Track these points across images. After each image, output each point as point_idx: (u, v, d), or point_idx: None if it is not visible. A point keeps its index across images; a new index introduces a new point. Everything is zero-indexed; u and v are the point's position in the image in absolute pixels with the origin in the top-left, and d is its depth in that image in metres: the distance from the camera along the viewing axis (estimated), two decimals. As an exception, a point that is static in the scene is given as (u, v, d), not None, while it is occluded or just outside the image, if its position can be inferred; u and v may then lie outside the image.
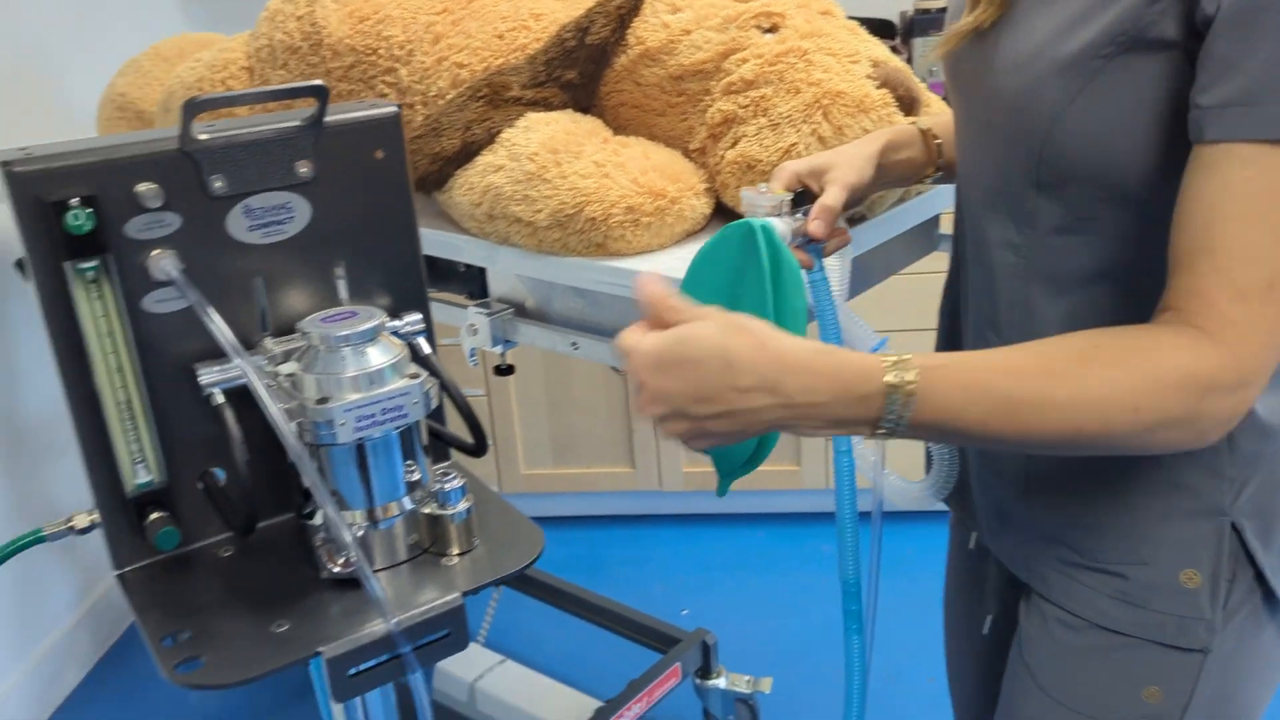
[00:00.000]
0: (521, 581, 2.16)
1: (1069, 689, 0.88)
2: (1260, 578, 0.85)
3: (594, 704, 1.83)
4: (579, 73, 1.27)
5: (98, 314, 0.80)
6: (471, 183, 1.22)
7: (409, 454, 0.88)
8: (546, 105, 1.26)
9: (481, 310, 1.29)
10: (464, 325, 1.30)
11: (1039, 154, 0.79)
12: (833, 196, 0.93)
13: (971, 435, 0.70)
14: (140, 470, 0.85)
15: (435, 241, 1.31)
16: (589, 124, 1.24)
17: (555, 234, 1.16)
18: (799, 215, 0.93)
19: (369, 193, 0.91)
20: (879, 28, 2.57)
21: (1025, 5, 0.81)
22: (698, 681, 1.95)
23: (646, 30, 1.25)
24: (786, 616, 2.31)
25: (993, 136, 0.85)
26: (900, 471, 1.03)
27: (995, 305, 0.89)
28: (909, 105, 1.19)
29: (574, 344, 1.24)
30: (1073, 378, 0.69)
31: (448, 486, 0.87)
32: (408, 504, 0.88)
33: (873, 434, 0.69)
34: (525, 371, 2.48)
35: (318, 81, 0.84)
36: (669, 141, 1.26)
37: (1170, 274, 0.71)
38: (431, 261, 1.39)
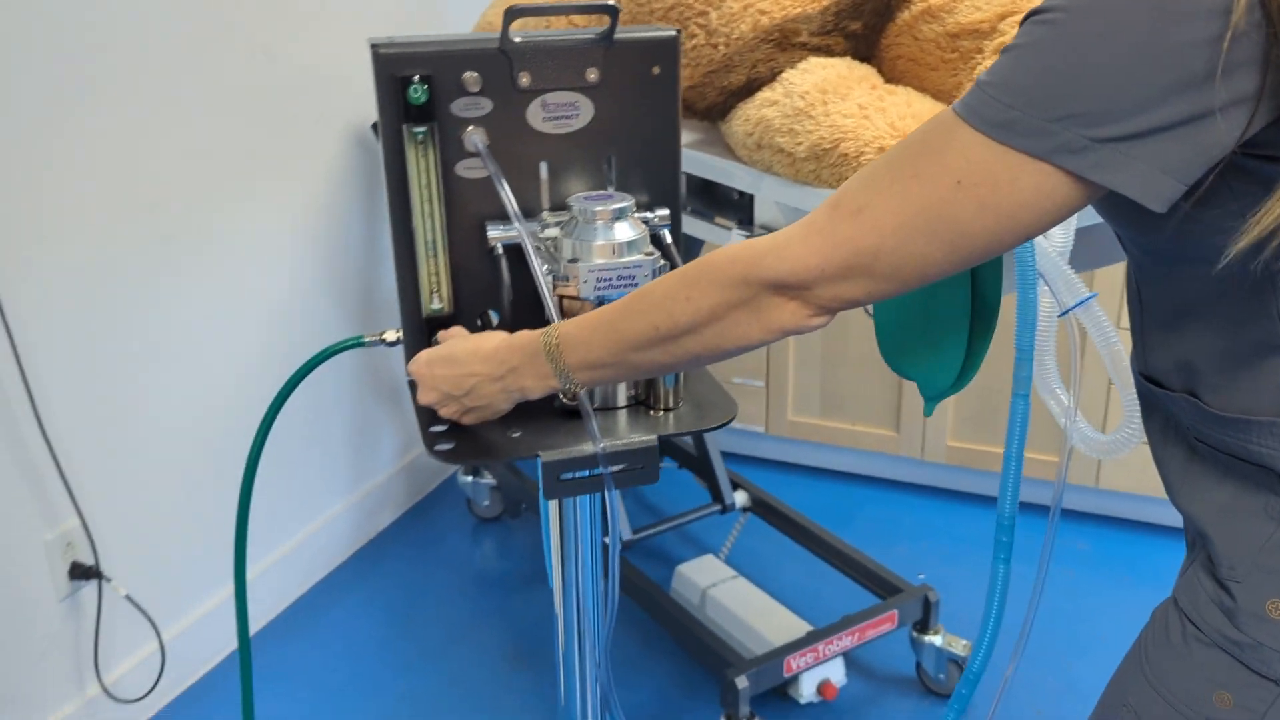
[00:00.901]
0: (768, 511, 2.31)
1: (1161, 674, 0.85)
2: None
3: (808, 627, 1.95)
4: (863, 24, 1.37)
5: (421, 170, 1.03)
6: (748, 114, 1.37)
7: (639, 320, 1.05)
8: (828, 52, 1.38)
9: (744, 233, 1.44)
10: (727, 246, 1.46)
11: None
12: None
13: (614, 362, 0.88)
14: (435, 299, 1.08)
15: (712, 166, 1.47)
16: (862, 71, 1.35)
17: (810, 166, 1.29)
18: None
19: (643, 102, 1.09)
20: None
21: None
22: (915, 634, 2.02)
23: (932, -12, 1.33)
24: (1017, 603, 2.30)
25: None
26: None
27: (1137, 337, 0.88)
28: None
29: (817, 270, 1.36)
30: (649, 289, 0.85)
31: (663, 351, 1.04)
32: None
33: (562, 388, 0.92)
34: (806, 322, 2.60)
35: (611, 2, 1.02)
36: (938, 95, 1.34)
37: None
38: (710, 187, 1.56)
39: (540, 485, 0.97)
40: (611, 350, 0.87)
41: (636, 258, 1.01)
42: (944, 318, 0.96)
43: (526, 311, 1.06)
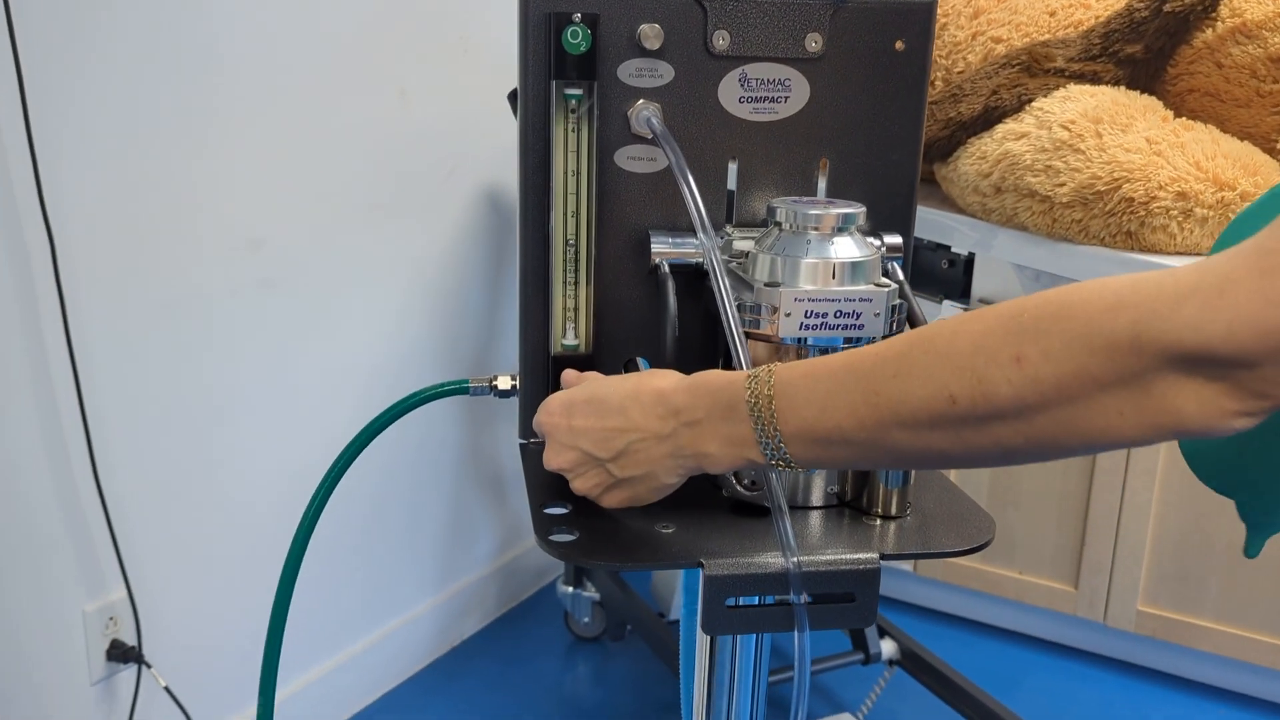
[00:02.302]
0: (920, 666, 1.92)
1: None
2: None
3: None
4: (1145, 46, 1.06)
5: (570, 149, 0.75)
6: (985, 150, 1.06)
7: (854, 384, 0.73)
8: (1094, 80, 1.07)
9: (959, 306, 1.11)
10: (936, 318, 1.14)
11: None
12: None
13: (861, 439, 0.57)
14: (570, 331, 0.78)
15: (924, 221, 1.16)
16: (1145, 101, 1.03)
17: (1076, 213, 0.97)
18: None
19: (878, 87, 0.79)
20: None
21: None
22: None
23: (1248, 2, 1.02)
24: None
25: None
26: None
27: None
28: None
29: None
30: (930, 335, 0.56)
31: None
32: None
33: (762, 462, 0.61)
34: (975, 446, 2.24)
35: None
36: (1247, 139, 1.01)
37: None
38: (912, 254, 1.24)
39: (700, 611, 0.65)
40: (861, 420, 0.57)
41: (865, 288, 0.69)
42: None
43: (694, 363, 0.75)
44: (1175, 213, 0.92)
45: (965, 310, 1.11)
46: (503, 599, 2.38)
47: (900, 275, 0.79)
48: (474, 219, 2.04)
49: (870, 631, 1.94)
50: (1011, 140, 1.04)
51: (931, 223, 1.15)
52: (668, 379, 0.66)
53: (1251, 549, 0.71)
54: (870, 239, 0.79)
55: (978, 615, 2.37)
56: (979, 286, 1.15)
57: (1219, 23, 1.03)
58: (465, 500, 2.21)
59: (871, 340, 0.71)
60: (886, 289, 0.70)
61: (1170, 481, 2.06)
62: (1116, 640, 2.24)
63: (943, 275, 1.22)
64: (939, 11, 1.26)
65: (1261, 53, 1.00)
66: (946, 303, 1.14)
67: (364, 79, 1.73)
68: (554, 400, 0.70)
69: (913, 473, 0.73)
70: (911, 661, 1.95)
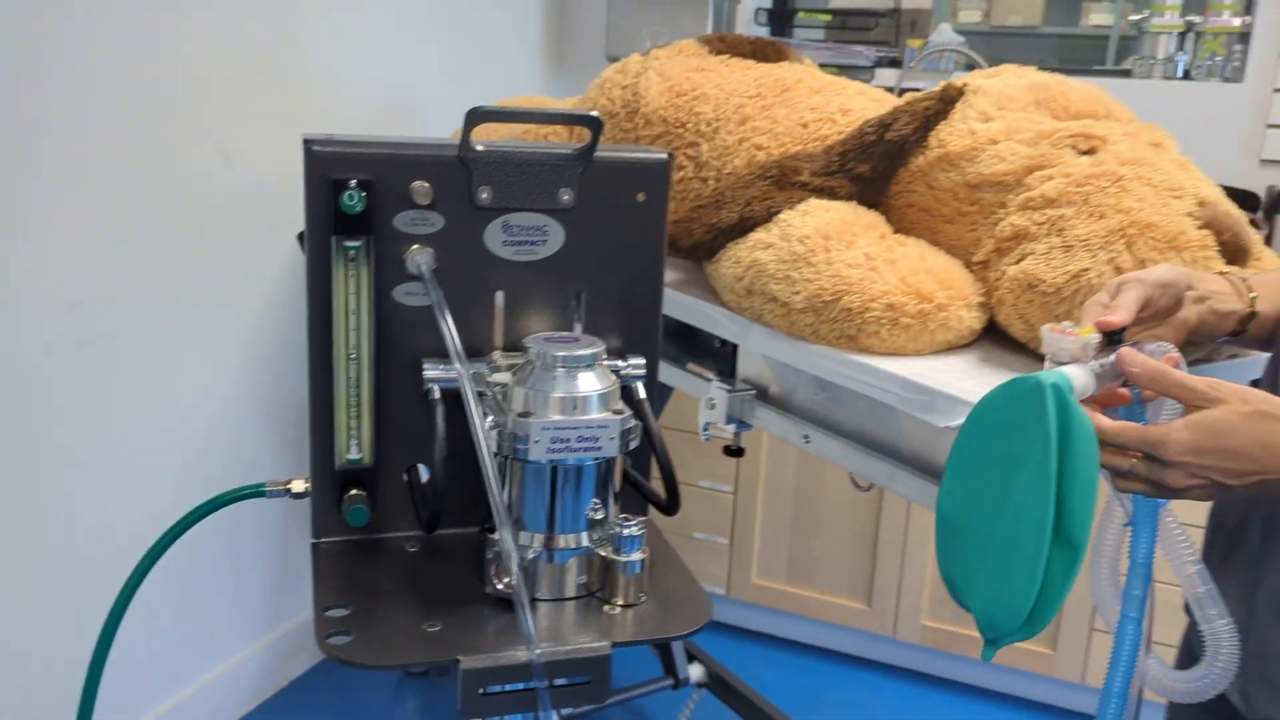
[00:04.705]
0: (725, 689, 2.08)
1: None
2: None
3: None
4: (871, 167, 1.24)
5: (350, 290, 0.85)
6: (739, 256, 1.22)
7: (600, 492, 0.86)
8: (831, 194, 1.24)
9: (724, 386, 1.27)
10: (704, 399, 1.29)
11: None
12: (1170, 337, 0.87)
13: None
14: (353, 446, 0.89)
15: (695, 311, 1.31)
16: (869, 218, 1.20)
17: (808, 318, 1.13)
18: (1111, 355, 0.82)
19: (624, 232, 0.93)
20: (1240, 199, 2.35)
21: None
22: None
23: (951, 135, 1.20)
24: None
25: None
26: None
27: None
28: (1234, 253, 1.06)
29: (806, 436, 1.18)
30: None
31: (625, 533, 0.84)
32: (585, 541, 0.86)
33: None
34: (776, 480, 2.42)
35: (594, 112, 0.87)
36: (952, 250, 1.20)
37: None
38: (690, 333, 1.39)
39: (459, 698, 0.76)
40: None
41: (603, 415, 0.82)
42: (1018, 538, 0.78)
43: (470, 473, 0.87)
44: (885, 321, 1.09)
45: (729, 391, 1.26)
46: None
47: (641, 393, 0.92)
48: (297, 277, 2.10)
49: (679, 656, 2.08)
50: (760, 249, 1.19)
51: (702, 313, 1.30)
52: None
53: (986, 655, 0.86)
54: (618, 361, 0.93)
55: (785, 633, 2.56)
56: (742, 368, 1.31)
57: (929, 151, 1.21)
58: (290, 542, 2.25)
59: (610, 459, 0.84)
60: (621, 416, 0.83)
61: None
62: (905, 651, 2.47)
63: (715, 353, 1.37)
64: (713, 115, 1.42)
65: (960, 179, 1.18)
66: (714, 384, 1.29)
67: (185, 138, 1.76)
68: (1177, 441, 0.77)
69: (648, 563, 0.87)
70: (718, 684, 2.10)
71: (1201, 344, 1.04)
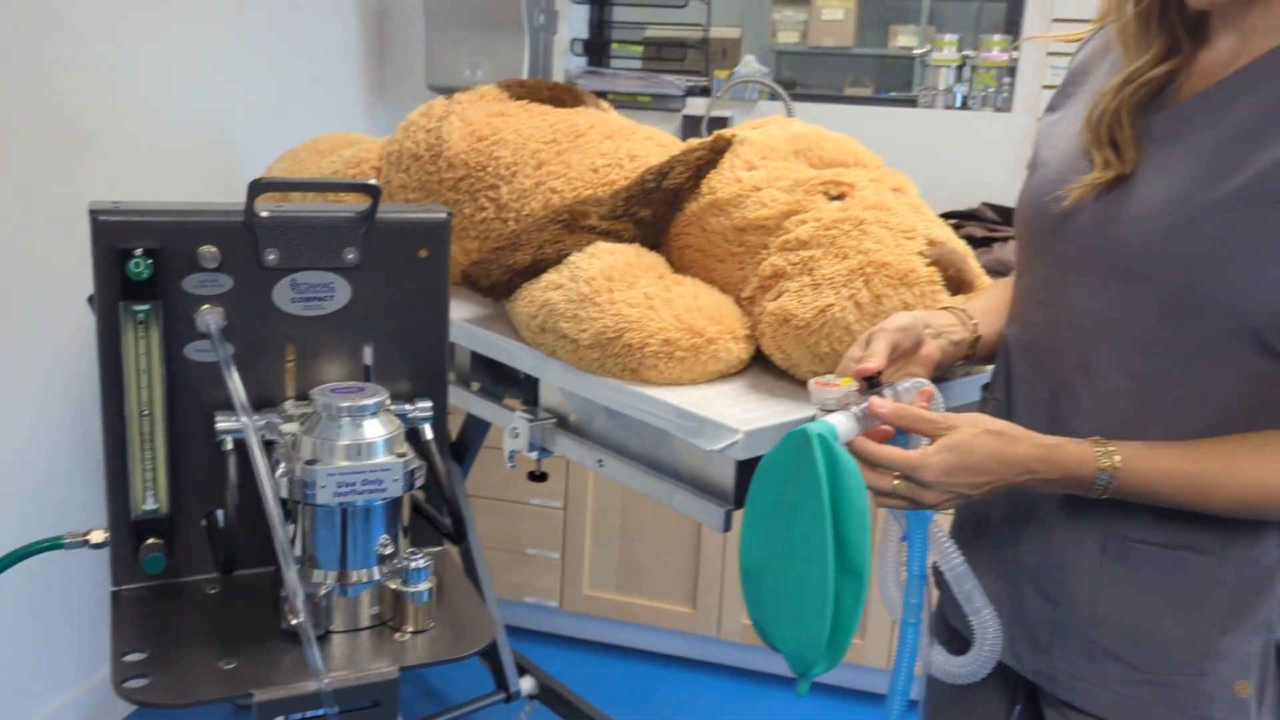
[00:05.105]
0: (555, 699, 2.16)
1: None
2: None
3: (591, 837, 1.80)
4: (652, 212, 1.35)
5: (140, 352, 0.90)
6: (533, 296, 1.31)
7: (389, 529, 0.93)
8: (617, 237, 1.34)
9: (525, 416, 1.35)
10: (508, 428, 1.37)
11: (1175, 287, 0.89)
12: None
13: (1161, 502, 0.91)
14: (149, 497, 0.94)
15: (498, 346, 1.39)
16: (650, 259, 1.31)
17: (595, 354, 1.23)
18: (867, 402, 0.93)
19: (408, 286, 1.00)
20: (1009, 218, 2.59)
21: (1159, 160, 0.94)
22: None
23: (720, 182, 1.33)
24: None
25: (1115, 274, 0.94)
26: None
27: (1098, 428, 0.96)
28: (958, 286, 1.22)
29: (600, 461, 1.28)
30: (1245, 467, 0.89)
31: (412, 565, 0.92)
32: (376, 574, 0.93)
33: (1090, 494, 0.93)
34: (603, 493, 2.53)
35: (372, 181, 0.94)
36: (725, 287, 1.32)
37: None
38: (498, 364, 1.47)
39: (254, 730, 0.83)
40: (1178, 503, 0.91)
41: (386, 459, 0.90)
42: (807, 576, 0.89)
43: (264, 513, 0.93)
44: (662, 355, 1.20)
45: (531, 421, 1.35)
46: None
47: (429, 434, 1.00)
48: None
49: (510, 670, 2.15)
50: (551, 290, 1.29)
51: (505, 349, 1.39)
52: (1023, 445, 0.92)
53: (801, 690, 0.96)
54: (406, 405, 1.01)
55: (618, 640, 2.67)
56: (544, 399, 1.40)
57: (701, 197, 1.34)
58: (105, 589, 2.21)
59: (396, 498, 0.92)
60: (404, 458, 0.91)
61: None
62: (729, 650, 2.61)
63: (521, 382, 1.46)
64: (512, 160, 1.51)
65: (729, 223, 1.31)
66: (518, 413, 1.38)
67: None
68: (933, 466, 0.90)
69: (435, 591, 0.95)
70: (549, 695, 2.19)
71: (952, 369, 1.19)
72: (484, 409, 1.48)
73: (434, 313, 1.02)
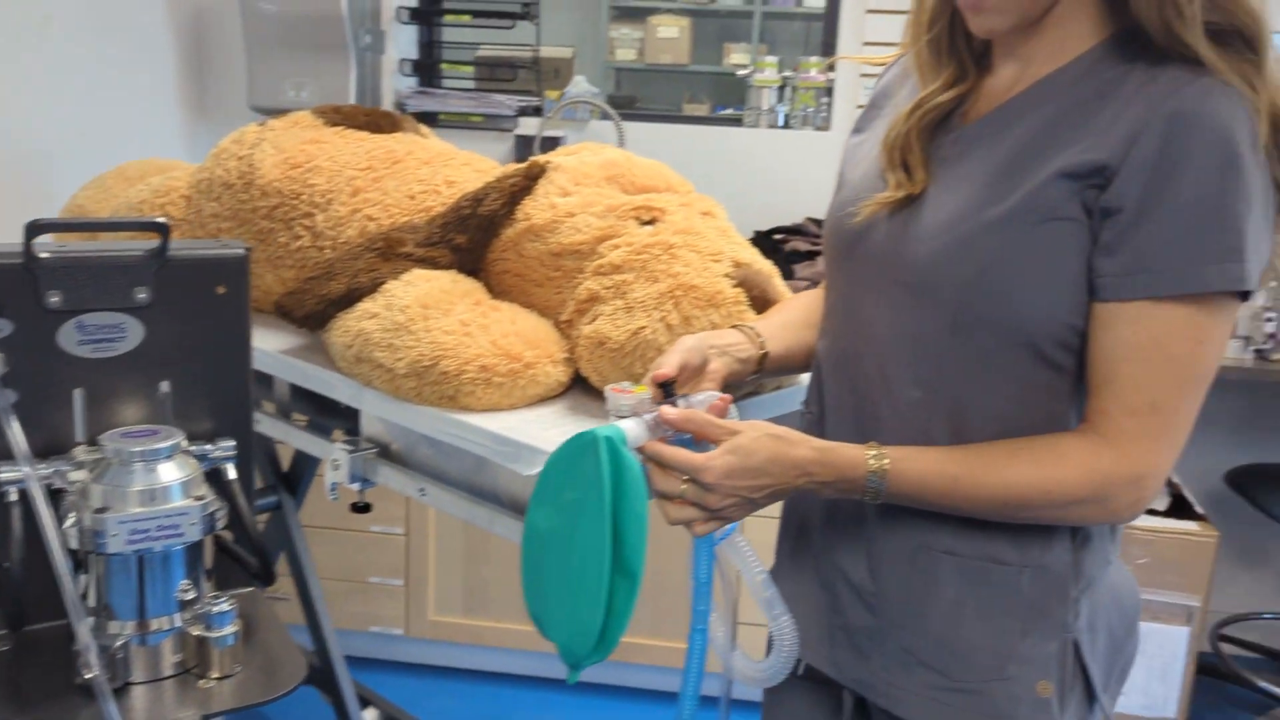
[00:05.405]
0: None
1: None
2: (1089, 688, 1.01)
3: None
4: (469, 238, 1.36)
5: (-92, 402, 0.86)
6: (348, 326, 1.30)
7: (190, 574, 0.91)
8: (434, 264, 1.34)
9: (345, 447, 1.34)
10: (328, 460, 1.35)
11: (960, 302, 0.94)
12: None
13: (931, 504, 0.96)
14: (-76, 554, 0.89)
15: (314, 377, 1.37)
16: (467, 286, 1.32)
17: (411, 383, 1.23)
18: (659, 409, 0.96)
19: (206, 324, 0.98)
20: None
21: (946, 180, 0.98)
22: None
23: (535, 208, 1.34)
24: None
25: (907, 290, 0.99)
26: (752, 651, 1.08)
27: (897, 438, 1.00)
28: (763, 306, 1.27)
29: (422, 490, 1.28)
30: (1000, 469, 0.93)
31: (216, 610, 0.90)
32: (177, 621, 0.91)
33: (863, 498, 0.97)
34: (445, 517, 2.51)
35: (160, 218, 0.92)
36: (544, 311, 1.34)
37: (1087, 398, 0.94)
38: (319, 395, 1.45)
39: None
40: (941, 504, 0.95)
41: (182, 503, 0.88)
42: (585, 574, 0.91)
43: (47, 568, 0.89)
44: (479, 381, 1.20)
45: (351, 452, 1.34)
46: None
47: (232, 473, 0.98)
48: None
49: (351, 704, 2.11)
50: (366, 319, 1.28)
51: (321, 380, 1.37)
52: (801, 449, 0.95)
53: (571, 678, 0.98)
54: (207, 446, 0.98)
55: (467, 664, 2.65)
56: (365, 428, 1.39)
57: (517, 223, 1.35)
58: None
59: (195, 542, 0.90)
60: (202, 502, 0.89)
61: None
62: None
63: (344, 412, 1.44)
64: (327, 187, 1.50)
65: (545, 248, 1.32)
66: (338, 444, 1.36)
67: None
68: (716, 469, 0.93)
69: (242, 634, 0.93)
70: (393, 725, 2.16)
71: (745, 384, 1.23)
72: (303, 441, 1.46)
73: (235, 350, 1.00)
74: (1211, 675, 2.62)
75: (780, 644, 1.03)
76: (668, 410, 0.96)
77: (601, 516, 0.90)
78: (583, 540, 0.92)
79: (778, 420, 1.35)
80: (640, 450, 0.95)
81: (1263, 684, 2.45)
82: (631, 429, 0.94)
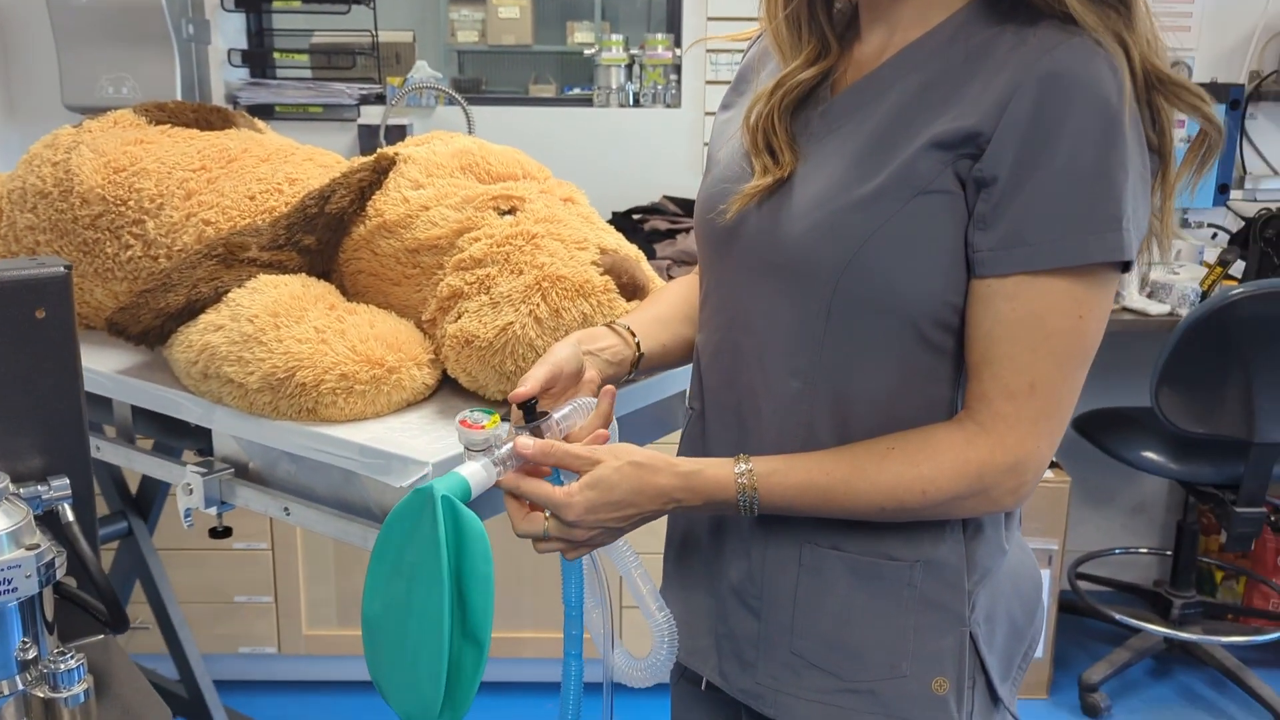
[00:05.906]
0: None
1: None
2: (988, 680, 0.98)
3: None
4: (317, 239, 1.28)
5: None
6: (190, 340, 1.20)
7: (28, 631, 0.83)
8: (281, 268, 1.26)
9: (198, 470, 1.25)
10: (179, 485, 1.26)
11: (835, 284, 0.90)
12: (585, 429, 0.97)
13: (807, 514, 0.93)
14: None
15: (158, 397, 1.28)
16: (319, 290, 1.24)
17: (266, 397, 1.15)
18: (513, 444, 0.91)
19: (26, 352, 0.89)
20: (687, 208, 2.70)
21: (815, 158, 0.94)
22: None
23: (386, 203, 1.27)
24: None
25: (781, 275, 0.94)
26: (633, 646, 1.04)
27: (779, 431, 0.97)
28: (632, 292, 1.24)
29: (286, 509, 1.21)
30: (872, 472, 0.90)
31: (63, 667, 0.82)
32: (19, 684, 0.82)
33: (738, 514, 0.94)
34: (314, 526, 2.41)
35: (-37, 239, 0.82)
36: (404, 311, 1.27)
37: (966, 381, 0.90)
38: (165, 415, 1.35)
39: None
40: (815, 511, 0.92)
41: (12, 555, 0.79)
42: (424, 642, 0.84)
43: None
44: (340, 391, 1.14)
45: (204, 475, 1.25)
46: None
47: (69, 515, 0.89)
48: None
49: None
50: (211, 332, 1.19)
51: (166, 399, 1.27)
52: (662, 477, 0.91)
53: None
54: (39, 487, 0.89)
55: (346, 676, 2.55)
56: (219, 448, 1.30)
57: (369, 220, 1.28)
58: None
59: (31, 596, 0.81)
60: (36, 551, 0.80)
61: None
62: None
63: (194, 432, 1.34)
64: (156, 191, 1.39)
65: (400, 245, 1.26)
66: (190, 467, 1.27)
67: None
68: (576, 505, 0.89)
69: (93, 690, 0.85)
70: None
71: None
72: (150, 466, 1.35)
73: (62, 378, 0.91)
74: (1071, 612, 2.75)
75: (661, 640, 0.99)
76: (523, 444, 0.91)
77: (439, 581, 0.82)
78: (420, 606, 0.84)
79: (662, 404, 1.32)
80: (499, 484, 0.90)
81: (1119, 616, 2.59)
82: (475, 475, 0.88)
